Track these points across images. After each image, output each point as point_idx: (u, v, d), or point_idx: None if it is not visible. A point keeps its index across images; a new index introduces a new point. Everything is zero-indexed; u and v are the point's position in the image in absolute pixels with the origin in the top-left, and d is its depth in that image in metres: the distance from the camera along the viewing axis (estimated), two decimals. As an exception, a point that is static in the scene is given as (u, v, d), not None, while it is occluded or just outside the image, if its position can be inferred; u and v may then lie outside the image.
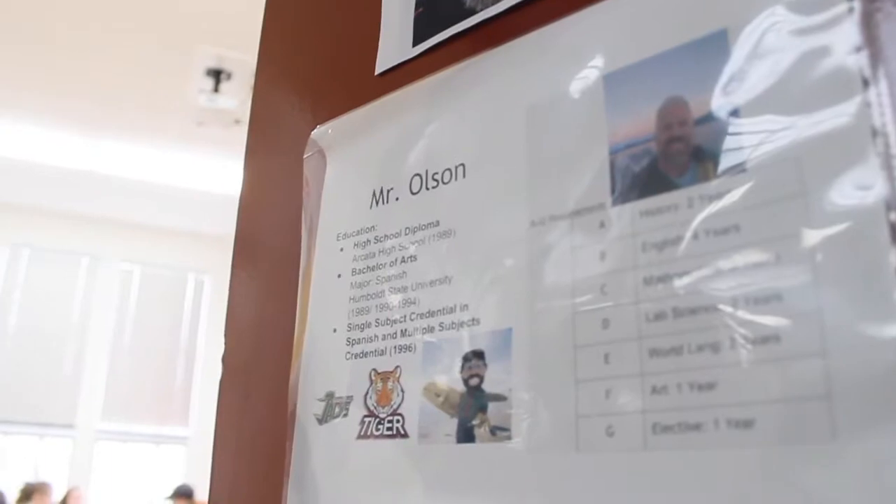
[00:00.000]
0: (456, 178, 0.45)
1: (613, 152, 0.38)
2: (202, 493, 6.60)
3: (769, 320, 0.31)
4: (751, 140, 0.33)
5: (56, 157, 6.86)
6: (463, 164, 0.45)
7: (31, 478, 6.91)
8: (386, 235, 0.48)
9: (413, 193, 0.47)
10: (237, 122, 5.27)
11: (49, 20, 4.94)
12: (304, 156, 0.54)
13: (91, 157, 6.88)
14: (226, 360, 0.57)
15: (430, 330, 0.43)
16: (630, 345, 0.35)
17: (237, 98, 5.19)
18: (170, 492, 6.65)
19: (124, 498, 8.08)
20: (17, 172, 7.30)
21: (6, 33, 5.13)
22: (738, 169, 0.33)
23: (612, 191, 0.37)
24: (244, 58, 4.94)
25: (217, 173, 6.93)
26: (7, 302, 8.18)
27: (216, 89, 5.25)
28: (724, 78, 0.35)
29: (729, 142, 0.34)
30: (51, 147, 6.68)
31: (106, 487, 8.07)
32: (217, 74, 5.23)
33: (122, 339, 8.32)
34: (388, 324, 0.46)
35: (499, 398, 0.39)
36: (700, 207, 0.34)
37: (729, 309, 0.32)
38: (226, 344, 0.57)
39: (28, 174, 7.32)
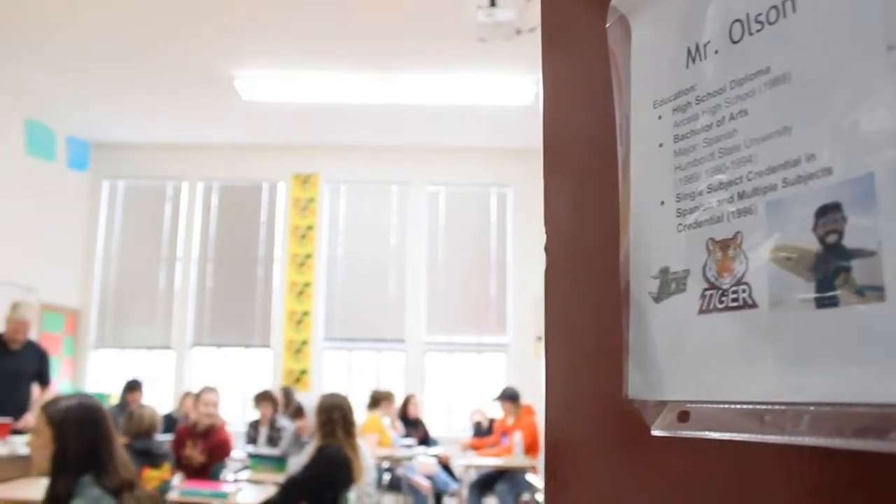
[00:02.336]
0: (784, 15, 0.39)
1: None
2: (524, 396, 6.92)
3: None
4: None
5: (358, 96, 7.32)
6: (792, -3, 0.39)
7: (374, 387, 7.63)
8: (708, 94, 0.43)
9: (734, 42, 0.42)
10: (518, 32, 5.27)
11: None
12: (606, 25, 0.51)
13: (388, 92, 7.26)
14: (549, 248, 0.56)
15: (773, 188, 0.39)
16: None
17: (514, 9, 5.17)
18: (496, 394, 7.04)
19: (455, 402, 8.69)
20: (327, 115, 7.91)
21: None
22: None
23: None
24: (517, -34, 4.91)
25: (505, 87, 7.03)
26: (334, 234, 8.98)
27: (493, 3, 5.26)
28: None
29: None
30: (353, 88, 7.15)
31: (438, 393, 8.72)
32: (492, -11, 5.24)
33: (436, 258, 8.83)
34: (721, 188, 0.42)
35: (865, 253, 0.34)
36: None
37: None
38: (547, 233, 0.57)
39: (336, 116, 7.91)
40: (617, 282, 0.48)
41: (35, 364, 5.79)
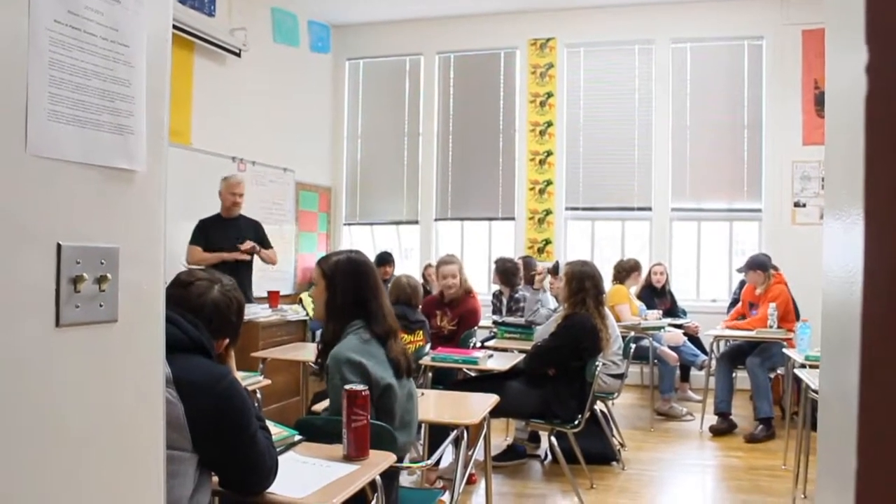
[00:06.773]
0: None
1: None
2: (781, 266, 6.51)
3: None
4: None
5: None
6: None
7: (619, 257, 7.52)
8: None
9: None
10: None
11: None
12: None
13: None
14: (874, 67, 0.42)
15: None
16: None
17: None
18: (743, 263, 6.62)
19: (704, 271, 8.42)
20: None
21: None
22: None
23: None
24: None
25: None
26: (574, 101, 8.76)
27: None
28: None
29: None
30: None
31: (686, 262, 8.47)
32: None
33: (683, 121, 8.40)
34: None
35: None
36: None
37: None
38: (870, 51, 0.42)
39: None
40: None
41: (252, 232, 6.03)
